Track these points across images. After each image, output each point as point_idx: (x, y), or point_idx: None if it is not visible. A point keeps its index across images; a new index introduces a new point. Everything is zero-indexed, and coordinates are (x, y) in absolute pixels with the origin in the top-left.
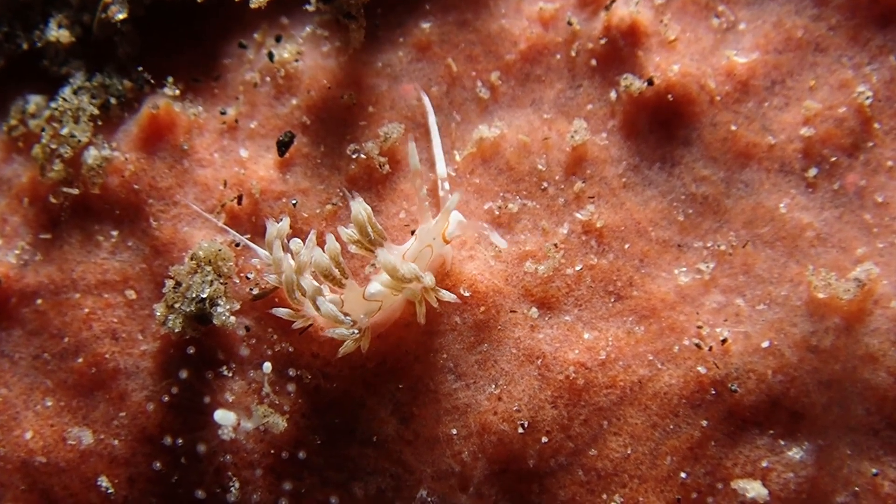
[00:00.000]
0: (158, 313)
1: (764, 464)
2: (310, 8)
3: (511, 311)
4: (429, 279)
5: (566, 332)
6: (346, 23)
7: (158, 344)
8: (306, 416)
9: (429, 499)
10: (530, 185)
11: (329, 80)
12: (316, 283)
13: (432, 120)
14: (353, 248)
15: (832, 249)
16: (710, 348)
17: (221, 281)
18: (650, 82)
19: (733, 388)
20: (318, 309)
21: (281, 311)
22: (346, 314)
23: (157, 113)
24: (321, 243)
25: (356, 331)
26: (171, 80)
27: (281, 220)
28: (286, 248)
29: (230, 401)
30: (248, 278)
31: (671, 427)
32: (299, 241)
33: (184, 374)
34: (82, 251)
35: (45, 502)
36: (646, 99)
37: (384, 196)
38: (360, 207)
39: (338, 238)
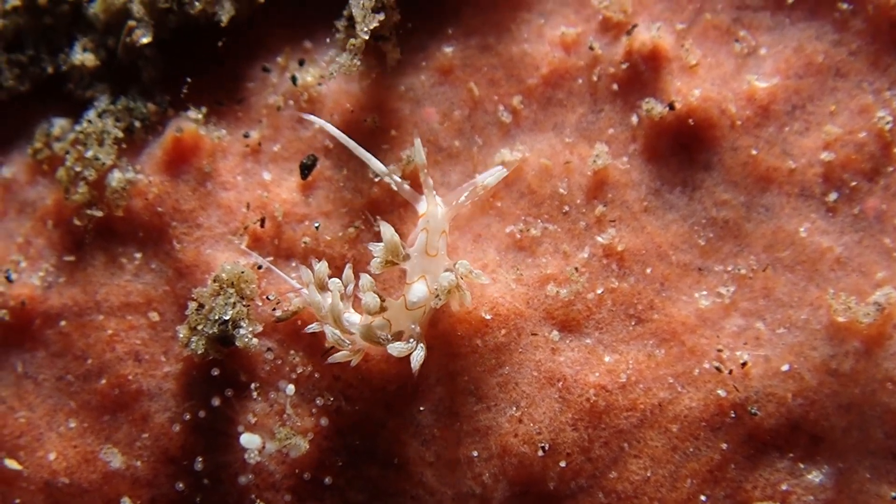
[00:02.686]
0: (181, 335)
1: (784, 487)
2: (339, 36)
3: (532, 334)
4: (483, 276)
5: (587, 355)
6: (380, 45)
7: (181, 366)
8: (328, 439)
9: None
10: (552, 209)
11: (352, 104)
12: (379, 333)
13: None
14: (379, 271)
15: (852, 273)
16: (731, 371)
17: (244, 303)
18: (671, 107)
19: (753, 411)
20: (379, 344)
21: (338, 357)
22: (399, 332)
23: (181, 136)
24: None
25: (422, 345)
26: (202, 109)
27: (318, 264)
28: (325, 288)
29: (252, 422)
30: (268, 299)
31: (691, 450)
32: (338, 281)
33: (206, 397)
34: (106, 273)
35: None
36: (667, 123)
37: (406, 218)
38: (388, 231)
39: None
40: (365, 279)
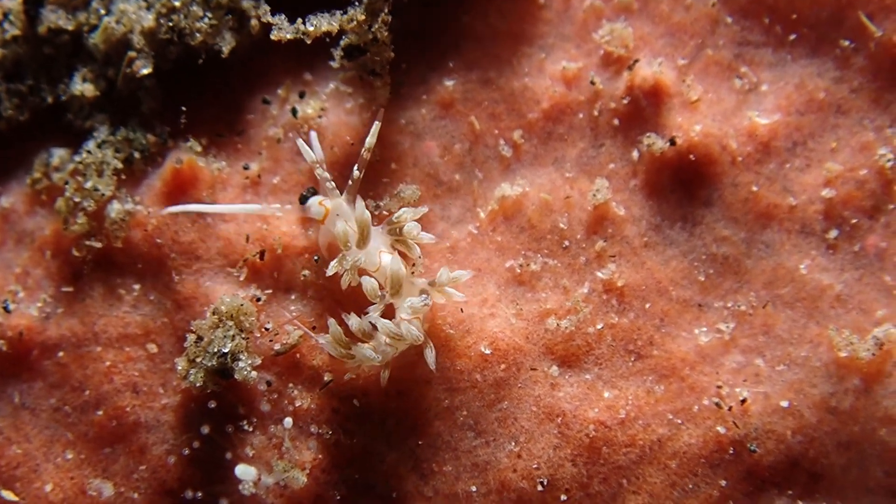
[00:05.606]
0: (180, 367)
1: None
2: (334, 64)
3: (531, 369)
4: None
5: (586, 391)
6: (371, 80)
7: (179, 398)
8: (326, 472)
9: None
10: (552, 244)
11: (352, 137)
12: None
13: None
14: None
15: (852, 311)
16: (730, 408)
17: (243, 336)
18: (672, 142)
19: (752, 448)
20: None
21: (429, 359)
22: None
23: (181, 167)
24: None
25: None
26: (202, 141)
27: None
28: (357, 339)
29: (250, 455)
30: (266, 329)
31: (690, 486)
32: (356, 318)
33: (204, 429)
34: (104, 304)
35: None
36: (667, 159)
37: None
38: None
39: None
40: (393, 264)
